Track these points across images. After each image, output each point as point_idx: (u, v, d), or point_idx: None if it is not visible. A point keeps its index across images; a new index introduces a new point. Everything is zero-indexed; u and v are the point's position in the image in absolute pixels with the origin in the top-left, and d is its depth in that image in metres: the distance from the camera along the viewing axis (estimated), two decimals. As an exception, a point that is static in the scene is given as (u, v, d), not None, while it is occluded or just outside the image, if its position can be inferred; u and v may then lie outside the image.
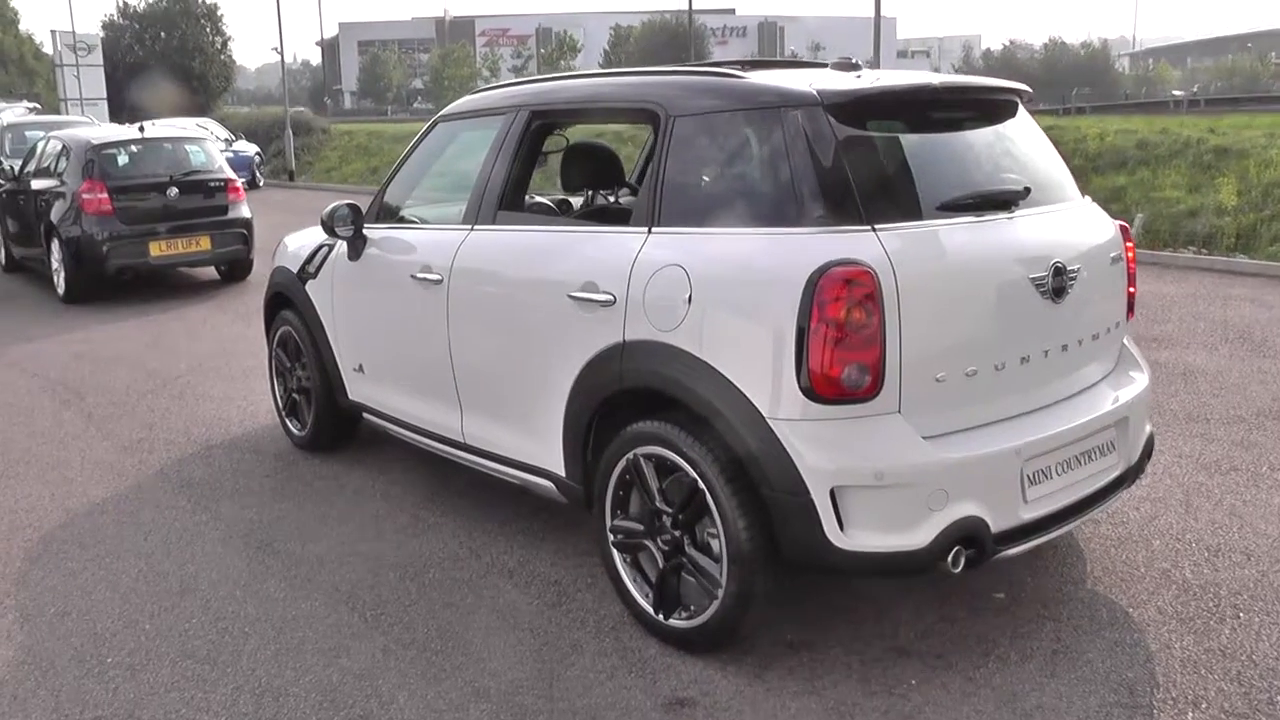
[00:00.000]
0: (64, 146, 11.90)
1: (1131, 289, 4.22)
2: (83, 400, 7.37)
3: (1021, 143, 4.00)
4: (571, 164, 4.66)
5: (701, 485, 3.49)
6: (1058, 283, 3.63)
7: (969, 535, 3.33)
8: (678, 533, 3.68)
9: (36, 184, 12.04)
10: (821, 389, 3.23)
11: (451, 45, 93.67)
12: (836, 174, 3.38)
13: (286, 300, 5.99)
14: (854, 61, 4.01)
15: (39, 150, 12.75)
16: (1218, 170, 13.39)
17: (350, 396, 5.57)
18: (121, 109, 40.43)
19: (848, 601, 4.03)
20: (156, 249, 11.29)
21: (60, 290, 11.46)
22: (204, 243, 11.59)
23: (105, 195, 11.04)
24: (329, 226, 5.17)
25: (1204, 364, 7.41)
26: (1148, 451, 4.16)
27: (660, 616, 3.75)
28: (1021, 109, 4.08)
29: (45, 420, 6.91)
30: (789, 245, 3.36)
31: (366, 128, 35.69)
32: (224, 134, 28.28)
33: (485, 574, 4.41)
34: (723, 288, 3.47)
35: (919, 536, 3.27)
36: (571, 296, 3.92)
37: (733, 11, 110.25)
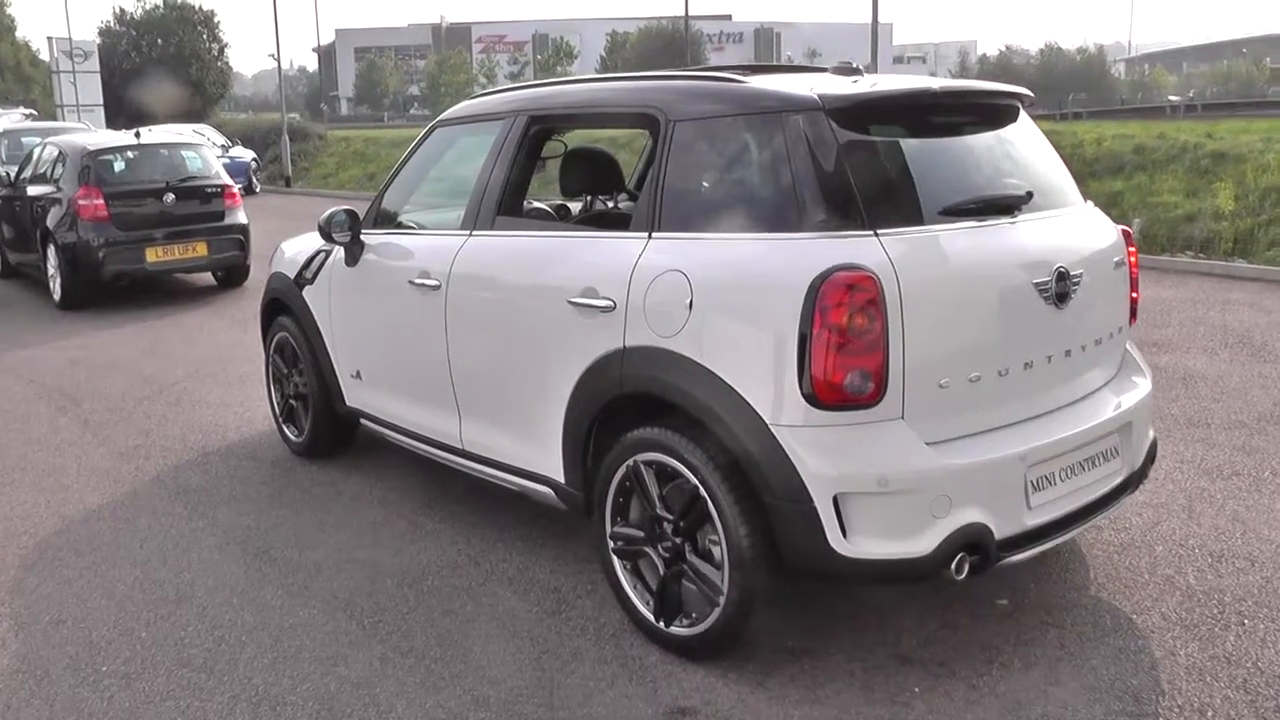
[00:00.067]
0: (60, 152, 11.87)
1: (1134, 294, 4.20)
2: (79, 407, 7.33)
3: (1023, 147, 3.98)
4: (571, 169, 4.64)
5: (703, 492, 3.46)
6: (1061, 288, 3.61)
7: (973, 542, 3.31)
8: (679, 540, 3.65)
9: (32, 190, 12.02)
10: (824, 395, 3.21)
11: (448, 52, 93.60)
12: (838, 178, 3.35)
13: (283, 306, 5.96)
14: (854, 66, 3.99)
15: (35, 156, 12.72)
16: (1215, 175, 13.38)
17: (348, 402, 5.54)
18: (118, 115, 40.40)
19: (849, 608, 4.00)
20: (153, 255, 11.25)
21: (56, 296, 11.43)
22: (200, 249, 11.54)
23: (101, 201, 11.00)
24: (326, 232, 5.15)
25: (1204, 369, 7.39)
26: (1151, 457, 4.14)
27: (661, 624, 3.72)
28: (1023, 113, 4.06)
29: (41, 427, 6.88)
30: (791, 250, 3.33)
31: (363, 134, 35.71)
32: (221, 140, 28.23)
33: (484, 581, 4.37)
34: (724, 293, 3.45)
35: (923, 544, 3.24)
36: (571, 302, 3.90)
37: (729, 17, 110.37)
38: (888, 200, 3.45)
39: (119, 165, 11.68)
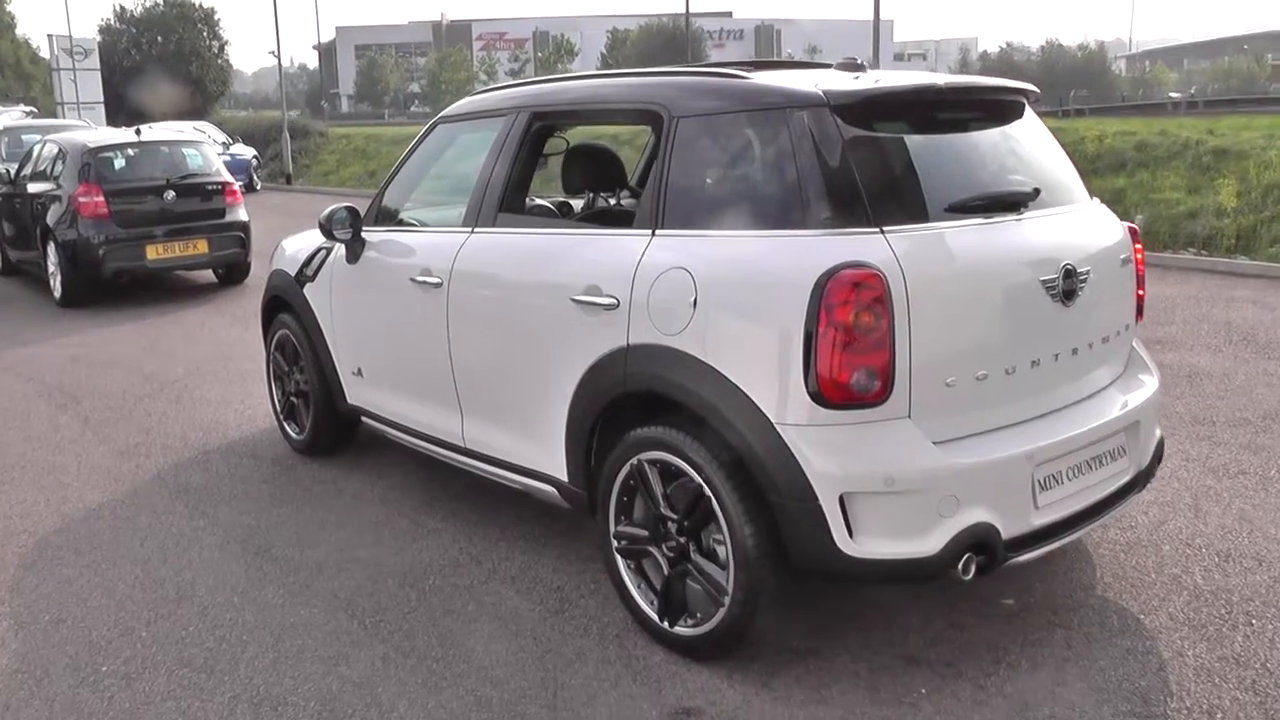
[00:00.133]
0: (60, 150, 11.84)
1: (1141, 291, 4.17)
2: (79, 404, 7.30)
3: (1029, 143, 3.95)
4: (573, 166, 4.62)
5: (707, 491, 3.44)
6: (1068, 285, 3.58)
7: (980, 542, 3.28)
8: (683, 539, 3.63)
9: (33, 187, 11.99)
10: (830, 394, 3.18)
11: (448, 49, 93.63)
12: (843, 175, 3.33)
13: (284, 304, 5.93)
14: (859, 62, 3.96)
15: (35, 154, 12.69)
16: (1217, 172, 13.34)
17: (349, 400, 5.52)
18: (119, 113, 40.35)
19: (855, 608, 3.97)
20: (153, 252, 11.23)
21: (56, 294, 11.40)
22: (201, 246, 11.51)
23: (101, 199, 10.97)
24: (327, 229, 5.12)
25: (1209, 366, 7.36)
26: (1158, 456, 4.11)
27: (665, 624, 3.69)
28: (1029, 109, 4.03)
29: (41, 425, 6.85)
30: (796, 248, 3.31)
31: (364, 131, 35.66)
32: (221, 137, 28.20)
33: (486, 580, 4.35)
34: (728, 291, 3.42)
35: (929, 543, 3.21)
36: (574, 300, 3.87)
37: (729, 14, 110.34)
38: (894, 197, 3.42)
39: (119, 162, 11.65)
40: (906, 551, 3.23)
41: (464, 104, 5.15)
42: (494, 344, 4.38)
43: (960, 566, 3.26)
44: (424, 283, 4.62)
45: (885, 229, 3.26)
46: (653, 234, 3.72)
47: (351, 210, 5.16)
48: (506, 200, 4.45)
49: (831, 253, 3.20)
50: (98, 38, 48.24)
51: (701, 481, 3.45)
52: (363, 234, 5.17)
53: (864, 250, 3.20)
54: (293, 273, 5.73)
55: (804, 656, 3.66)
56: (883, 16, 21.70)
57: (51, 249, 11.36)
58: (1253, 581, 4.12)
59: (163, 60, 54.10)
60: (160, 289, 12.10)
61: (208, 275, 12.59)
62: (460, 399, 4.59)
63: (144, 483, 5.68)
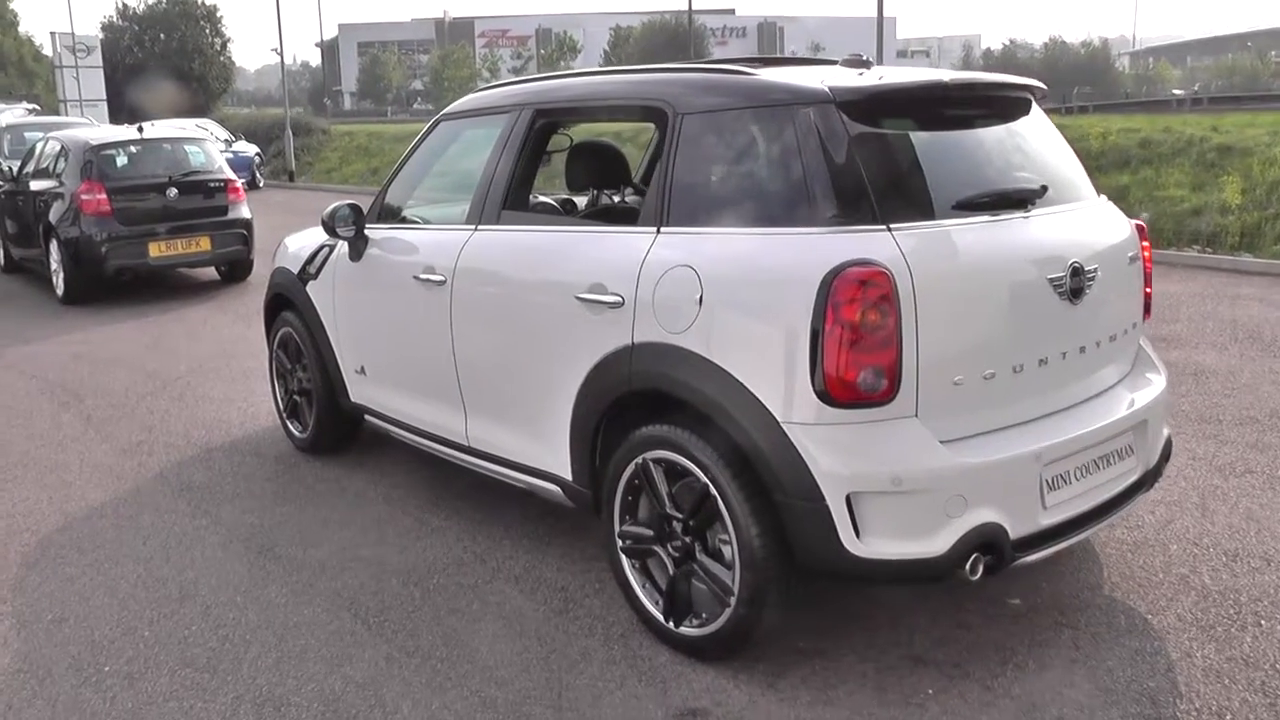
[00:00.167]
0: (62, 147, 11.83)
1: (1148, 289, 4.15)
2: (81, 402, 7.29)
3: (1036, 140, 3.93)
4: (577, 163, 4.59)
5: (713, 490, 3.41)
6: (1076, 283, 3.56)
7: (988, 542, 3.25)
8: (688, 539, 3.60)
9: (35, 185, 11.96)
10: (836, 392, 3.16)
11: (451, 46, 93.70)
12: (850, 172, 3.30)
13: (287, 301, 5.91)
14: (864, 59, 3.93)
15: (38, 151, 12.68)
16: (1221, 169, 13.30)
17: (352, 398, 5.50)
18: (121, 110, 40.34)
19: (860, 607, 3.95)
20: (156, 250, 11.21)
21: (59, 291, 11.39)
22: (204, 243, 11.50)
23: (104, 196, 10.96)
24: (330, 227, 5.10)
25: (1214, 364, 7.33)
26: (1166, 455, 4.08)
27: (671, 624, 3.67)
28: (1035, 106, 4.00)
29: (44, 423, 6.84)
30: (802, 245, 3.28)
31: (366, 128, 35.65)
32: (224, 135, 28.20)
33: (490, 579, 4.33)
34: (734, 289, 3.40)
35: (937, 544, 3.19)
36: (579, 298, 3.85)
37: (732, 12, 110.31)
38: (900, 194, 3.40)
39: (122, 160, 11.62)
40: (914, 552, 3.20)
41: (467, 101, 5.12)
42: (498, 342, 4.36)
43: (968, 567, 3.24)
44: (427, 280, 4.60)
45: (892, 226, 3.23)
46: (658, 231, 3.70)
47: (354, 207, 5.13)
48: (510, 198, 4.43)
49: (838, 250, 3.18)
50: (100, 35, 48.24)
51: (707, 481, 3.43)
52: (366, 231, 5.15)
53: (870, 248, 3.18)
54: (295, 270, 5.70)
55: (810, 657, 3.64)
56: (886, 13, 21.68)
57: (54, 246, 11.34)
58: (1261, 582, 4.10)
59: (165, 57, 54.08)
60: (163, 286, 12.09)
61: (210, 273, 12.59)
62: (464, 397, 4.57)
63: (147, 481, 5.66)
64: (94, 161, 11.21)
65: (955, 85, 3.73)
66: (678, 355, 3.49)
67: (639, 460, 3.68)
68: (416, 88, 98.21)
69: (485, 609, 4.08)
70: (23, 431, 6.65)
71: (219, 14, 58.81)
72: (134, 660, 3.78)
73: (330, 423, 5.76)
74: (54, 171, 11.75)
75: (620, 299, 3.69)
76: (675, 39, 68.15)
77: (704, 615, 3.58)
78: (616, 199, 4.92)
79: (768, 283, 3.33)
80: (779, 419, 3.23)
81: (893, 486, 3.17)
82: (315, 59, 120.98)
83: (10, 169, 13.27)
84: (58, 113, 33.82)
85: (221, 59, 58.96)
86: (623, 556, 3.85)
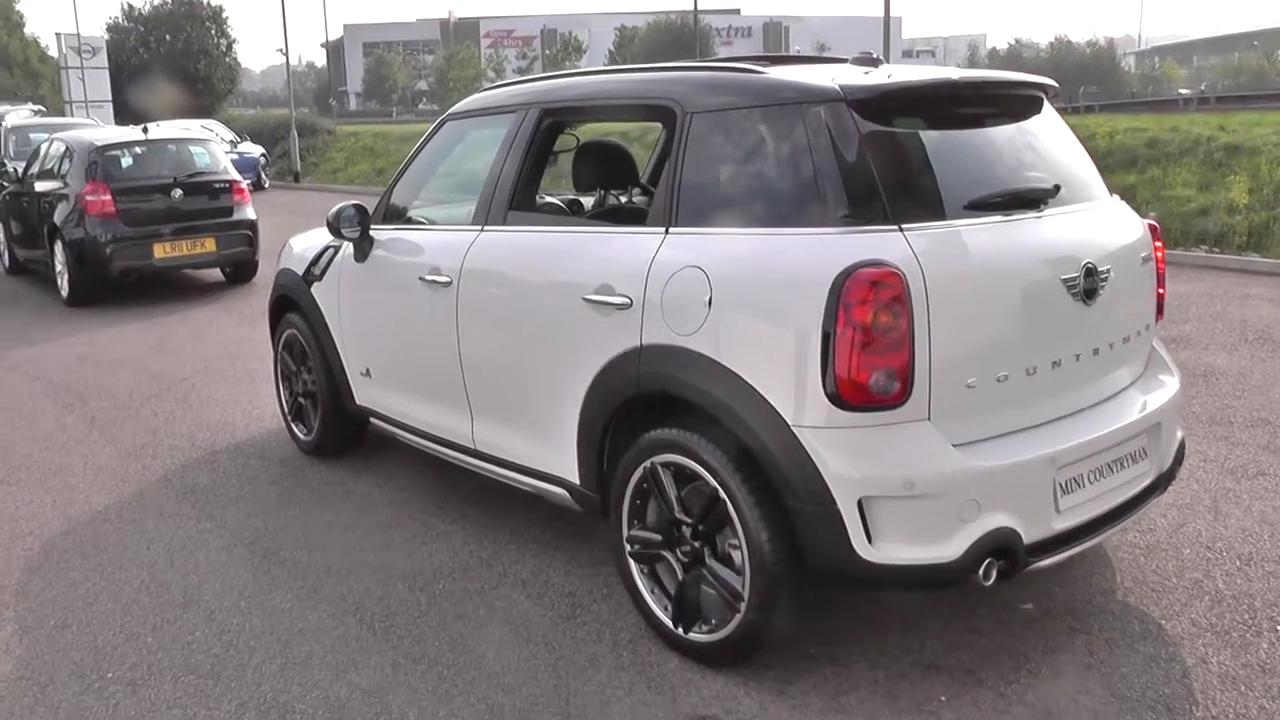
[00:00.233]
0: (67, 148, 11.81)
1: (1161, 290, 4.10)
2: (85, 404, 7.26)
3: (1048, 139, 3.88)
4: (584, 162, 4.55)
5: (722, 494, 3.37)
6: (1089, 284, 3.51)
7: (1001, 547, 3.21)
8: (698, 543, 3.56)
9: (40, 186, 11.93)
10: (848, 395, 3.11)
11: (456, 47, 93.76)
12: (861, 172, 3.26)
13: (292, 303, 5.88)
14: (874, 56, 3.89)
15: (43, 152, 12.66)
16: (1229, 168, 13.25)
17: (357, 401, 5.46)
18: (126, 111, 40.35)
19: (871, 612, 3.91)
20: (161, 251, 11.18)
21: (64, 293, 11.37)
22: (209, 244, 11.47)
23: (109, 197, 10.94)
24: (335, 228, 5.06)
25: (1225, 365, 7.28)
26: (1179, 458, 4.04)
27: (680, 630, 3.62)
28: (1047, 104, 3.96)
29: (48, 425, 6.81)
30: (813, 246, 3.24)
31: (372, 129, 35.66)
32: (229, 135, 28.19)
33: (497, 584, 4.29)
34: (744, 290, 3.35)
35: (950, 549, 3.15)
36: (586, 299, 3.80)
37: (738, 11, 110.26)
38: (912, 194, 3.35)
39: (126, 161, 11.60)
40: (927, 557, 3.16)
41: (473, 100, 5.08)
42: (504, 344, 4.32)
43: (981, 572, 3.19)
44: (433, 282, 4.56)
45: (904, 226, 3.19)
46: (666, 232, 3.66)
47: (360, 208, 5.10)
48: (517, 198, 4.39)
49: (849, 251, 3.14)
50: (106, 36, 48.19)
51: (716, 485, 3.38)
52: (371, 232, 5.11)
53: (882, 248, 3.13)
54: (300, 272, 5.67)
55: (821, 663, 3.60)
56: (891, 13, 21.61)
57: (59, 248, 11.32)
58: (1275, 586, 4.05)
59: (171, 58, 54.03)
60: (168, 288, 12.06)
61: (215, 274, 12.56)
62: (470, 400, 4.53)
63: (151, 484, 5.63)
64: (99, 162, 11.19)
65: (967, 83, 3.69)
66: (687, 357, 3.44)
67: (647, 464, 3.64)
68: (422, 88, 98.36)
69: (492, 614, 4.04)
70: (26, 434, 6.62)
71: (225, 15, 58.80)
72: (137, 667, 3.74)
73: (335, 425, 5.73)
74: (59, 172, 11.73)
75: (628, 300, 3.65)
76: (680, 39, 68.17)
77: (713, 621, 3.54)
78: (624, 199, 4.87)
79: (778, 284, 3.29)
80: (790, 422, 3.19)
81: (905, 491, 3.13)
82: (321, 60, 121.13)
83: (15, 170, 13.25)
84: (63, 114, 33.81)
85: (227, 60, 58.90)
86: (631, 561, 3.81)
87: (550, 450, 4.12)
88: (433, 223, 5.06)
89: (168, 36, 56.47)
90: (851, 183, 3.25)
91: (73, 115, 32.11)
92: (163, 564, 4.59)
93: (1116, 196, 4.10)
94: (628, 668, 3.63)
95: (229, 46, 58.98)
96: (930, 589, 3.74)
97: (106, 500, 5.40)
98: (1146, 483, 3.77)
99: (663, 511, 3.68)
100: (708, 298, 3.39)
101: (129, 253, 11.06)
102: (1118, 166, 14.16)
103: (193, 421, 6.74)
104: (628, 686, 3.52)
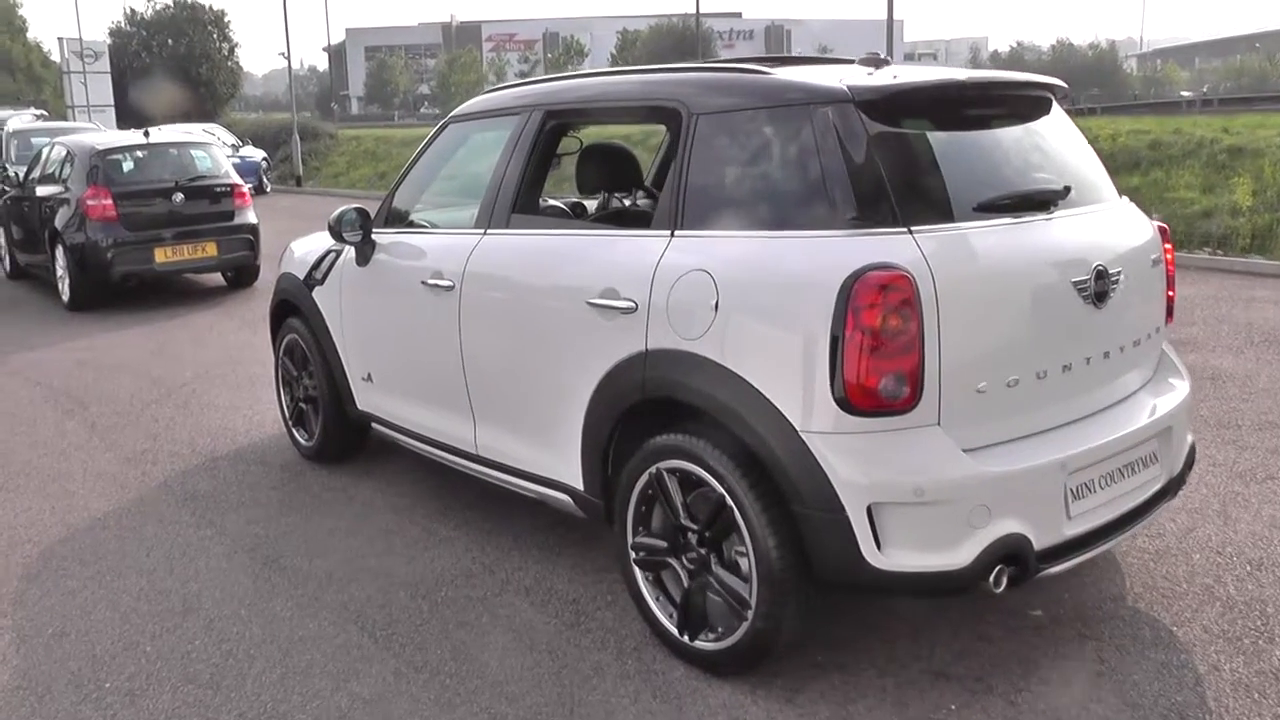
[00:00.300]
0: (68, 152, 11.79)
1: (1171, 292, 4.06)
2: (86, 410, 7.22)
3: (1057, 140, 3.84)
4: (588, 165, 4.51)
5: (729, 501, 3.33)
6: (1100, 287, 3.47)
7: (1012, 553, 3.16)
8: (704, 550, 3.51)
9: (41, 190, 11.92)
10: (857, 400, 3.07)
11: (458, 50, 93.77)
12: (870, 173, 3.21)
13: (293, 307, 5.83)
14: (882, 57, 3.84)
15: (44, 156, 12.64)
16: (1232, 170, 13.22)
17: (359, 406, 5.42)
18: (129, 116, 40.35)
19: (879, 619, 3.86)
20: (162, 255, 11.15)
21: (65, 297, 11.34)
22: (210, 249, 11.44)
23: (110, 201, 10.91)
24: (336, 231, 5.02)
25: (1231, 367, 7.24)
26: (1189, 462, 3.99)
27: (685, 638, 3.58)
28: (1055, 105, 3.91)
29: (47, 430, 6.77)
30: (821, 248, 3.19)
31: (374, 133, 35.65)
32: (231, 139, 28.17)
33: (500, 591, 4.24)
34: (751, 293, 3.31)
35: (960, 555, 3.10)
36: (591, 303, 3.76)
37: (739, 15, 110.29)
38: (921, 196, 3.31)
39: (128, 165, 11.58)
40: (936, 564, 3.11)
41: (476, 103, 5.04)
42: (507, 349, 4.28)
43: (992, 579, 3.14)
44: (435, 286, 4.52)
45: (913, 229, 3.15)
46: (671, 235, 3.61)
47: (361, 212, 5.06)
48: (520, 201, 4.35)
49: (858, 253, 3.09)
50: (108, 40, 48.17)
51: (723, 491, 3.34)
52: (373, 236, 5.07)
53: (891, 251, 3.09)
54: (301, 276, 5.63)
55: (828, 671, 3.55)
56: (894, 16, 21.56)
57: (60, 252, 11.29)
58: (1288, 592, 4.00)
59: (173, 62, 54.03)
60: (169, 292, 12.03)
61: (216, 278, 12.52)
62: (473, 405, 4.48)
63: (151, 490, 5.59)
64: (100, 166, 11.17)
65: (975, 84, 3.65)
66: (693, 362, 3.40)
67: (653, 470, 3.60)
68: (424, 92, 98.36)
69: (495, 622, 4.00)
70: (26, 439, 6.58)
71: (227, 19, 58.73)
72: (135, 676, 3.70)
73: (337, 431, 5.69)
74: (60, 177, 11.71)
75: (633, 304, 3.61)
76: (682, 42, 68.16)
77: (720, 629, 3.50)
78: (628, 202, 4.83)
79: (786, 287, 3.24)
80: (797, 427, 3.15)
81: (915, 497, 3.08)
82: (323, 64, 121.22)
83: (16, 174, 13.22)
84: (65, 118, 33.82)
85: (229, 64, 58.83)
86: (636, 569, 3.76)
87: (554, 456, 4.08)
88: (435, 226, 5.02)
89: (170, 41, 56.42)
90: (860, 184, 3.20)
91: (75, 120, 32.09)
92: (162, 571, 4.55)
93: (1126, 198, 4.06)
94: (633, 676, 3.58)
95: (231, 50, 58.93)
96: (940, 596, 3.69)
97: (106, 507, 5.36)
98: (1157, 487, 3.73)
99: (668, 518, 3.63)
100: (714, 301, 3.35)
101: (130, 257, 11.03)
102: (1120, 169, 14.11)
103: (193, 427, 6.70)
104: (633, 695, 3.47)
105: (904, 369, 3.07)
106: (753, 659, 3.46)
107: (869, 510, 3.09)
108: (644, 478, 3.64)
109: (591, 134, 5.37)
